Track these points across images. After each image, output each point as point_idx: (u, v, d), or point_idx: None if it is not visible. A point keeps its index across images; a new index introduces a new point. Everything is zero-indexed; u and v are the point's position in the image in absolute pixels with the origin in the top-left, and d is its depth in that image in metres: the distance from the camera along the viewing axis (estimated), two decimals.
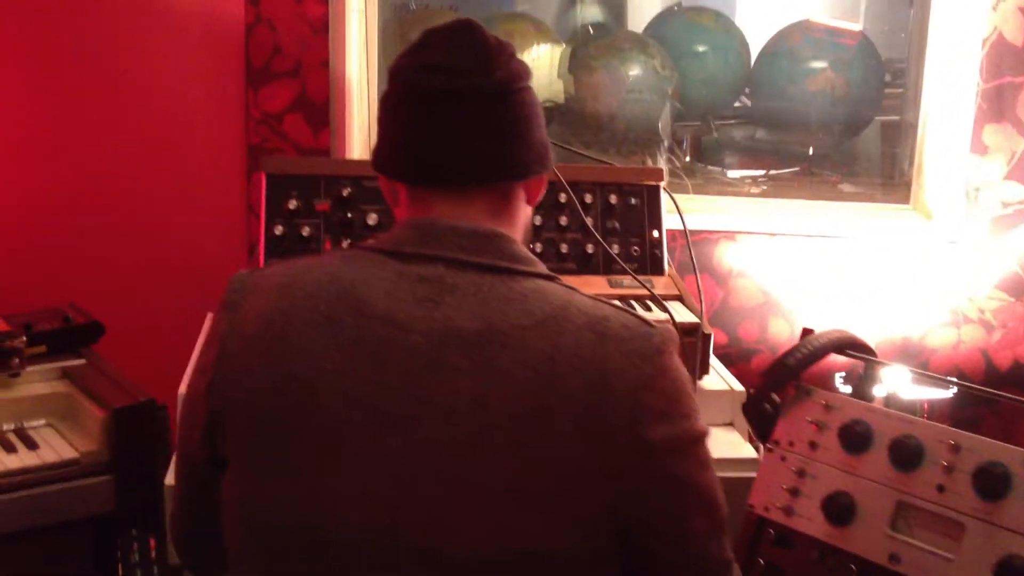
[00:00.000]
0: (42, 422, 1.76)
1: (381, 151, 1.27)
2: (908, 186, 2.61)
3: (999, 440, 1.40)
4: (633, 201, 2.15)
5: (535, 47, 2.89)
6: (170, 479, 1.63)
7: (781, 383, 1.58)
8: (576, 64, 2.85)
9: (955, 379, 1.72)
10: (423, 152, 1.21)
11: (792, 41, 2.87)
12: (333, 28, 2.44)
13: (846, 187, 2.86)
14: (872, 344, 1.66)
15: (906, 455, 1.42)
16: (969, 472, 1.36)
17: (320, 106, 2.48)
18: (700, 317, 1.94)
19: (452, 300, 1.14)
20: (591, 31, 3.06)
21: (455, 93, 1.19)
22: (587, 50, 2.89)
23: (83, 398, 1.69)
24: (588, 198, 2.12)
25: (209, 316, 2.24)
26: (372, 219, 2.04)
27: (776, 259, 2.51)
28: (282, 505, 1.13)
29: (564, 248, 2.09)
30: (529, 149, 1.23)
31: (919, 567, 1.37)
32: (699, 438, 1.17)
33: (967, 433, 1.39)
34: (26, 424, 1.74)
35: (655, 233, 2.14)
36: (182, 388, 1.75)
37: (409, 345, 1.12)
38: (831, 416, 1.52)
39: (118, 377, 1.72)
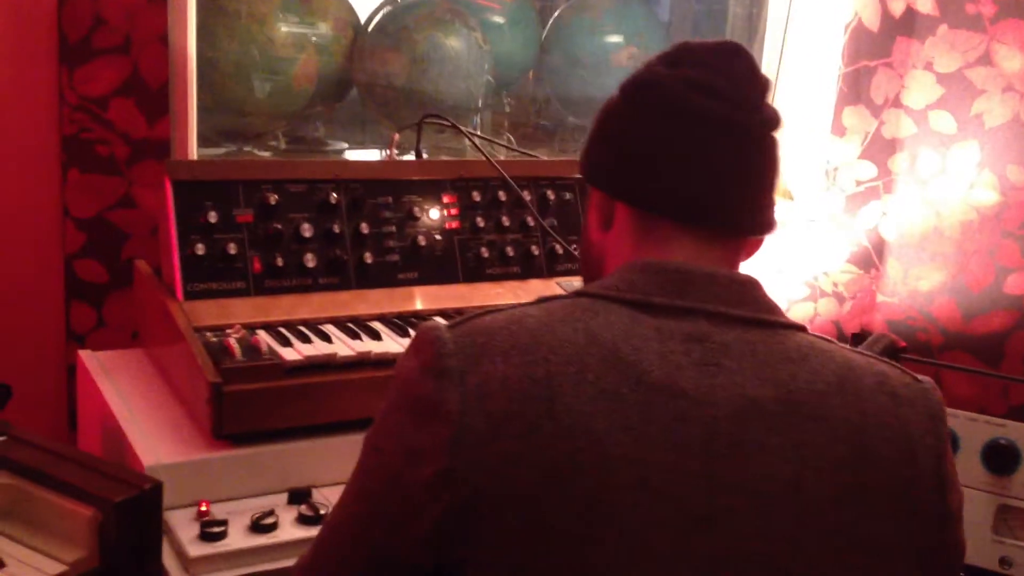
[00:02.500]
0: None
1: (613, 165, 1.08)
2: None
3: None
4: (567, 196, 2.00)
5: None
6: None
7: None
8: (385, 37, 2.59)
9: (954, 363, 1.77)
10: (685, 182, 1.04)
11: (593, 13, 2.81)
12: None
13: None
14: None
15: (1002, 458, 1.43)
16: None
17: (157, 90, 2.08)
18: None
19: (732, 363, 0.97)
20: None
21: (732, 124, 1.03)
22: (403, 21, 2.64)
23: (41, 490, 1.27)
24: (526, 195, 1.95)
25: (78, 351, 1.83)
26: (306, 231, 1.73)
27: None
28: None
29: (510, 251, 1.91)
30: (772, 204, 1.11)
31: None
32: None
33: None
34: None
35: None
36: (147, 460, 1.40)
37: (706, 422, 0.94)
38: None
39: (81, 456, 1.32)
